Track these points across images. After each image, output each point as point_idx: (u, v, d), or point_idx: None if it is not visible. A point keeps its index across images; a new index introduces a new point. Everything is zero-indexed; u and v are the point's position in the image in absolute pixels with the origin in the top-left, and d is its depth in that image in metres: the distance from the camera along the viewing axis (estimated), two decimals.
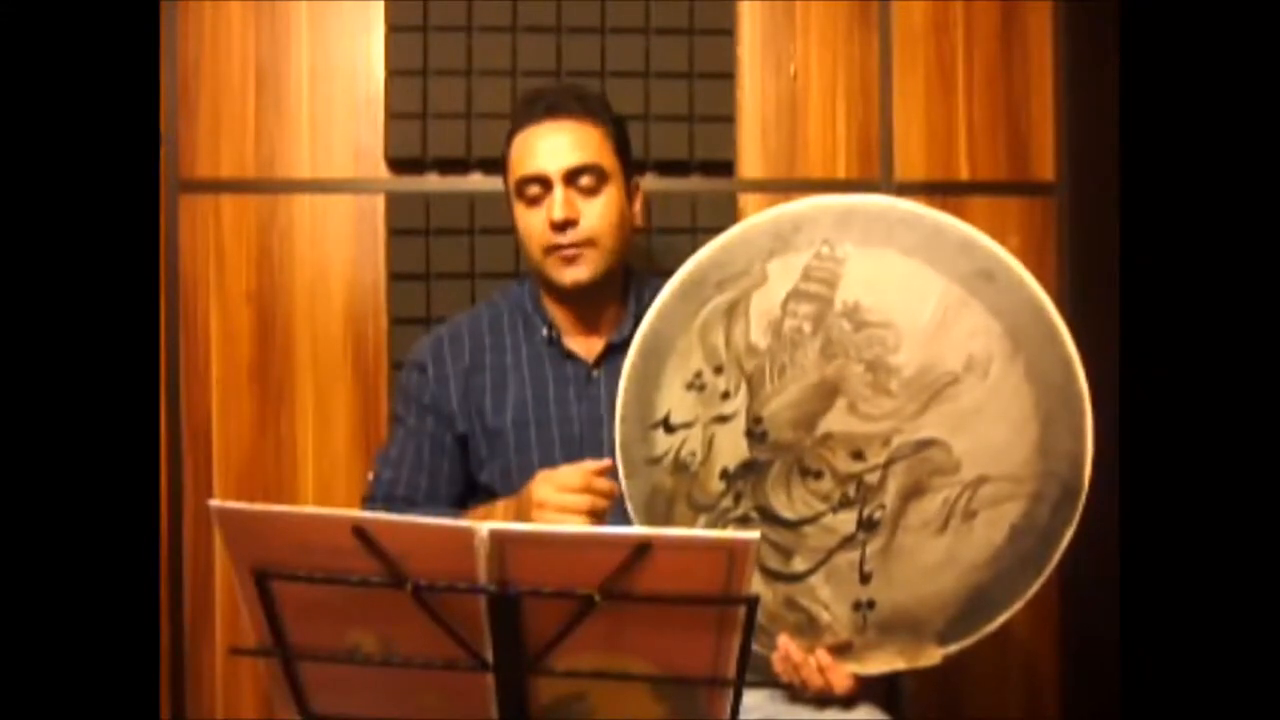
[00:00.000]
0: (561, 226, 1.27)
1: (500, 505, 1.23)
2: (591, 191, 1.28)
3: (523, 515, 1.13)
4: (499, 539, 0.77)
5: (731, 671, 0.82)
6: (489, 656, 0.82)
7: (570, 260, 1.28)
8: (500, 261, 1.73)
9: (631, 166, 1.37)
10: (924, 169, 1.82)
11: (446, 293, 1.72)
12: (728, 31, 1.78)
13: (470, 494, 1.36)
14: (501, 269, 1.72)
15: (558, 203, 1.26)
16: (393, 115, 1.74)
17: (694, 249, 1.15)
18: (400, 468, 1.34)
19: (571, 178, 1.28)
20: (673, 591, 0.79)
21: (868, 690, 1.18)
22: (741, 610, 0.79)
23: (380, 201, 1.75)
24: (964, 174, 1.83)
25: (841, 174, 1.81)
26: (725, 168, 1.79)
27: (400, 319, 1.74)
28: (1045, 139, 1.85)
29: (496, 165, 1.72)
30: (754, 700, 1.19)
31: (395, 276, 1.74)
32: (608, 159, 1.31)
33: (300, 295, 1.76)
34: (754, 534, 0.78)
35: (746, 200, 1.79)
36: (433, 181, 1.77)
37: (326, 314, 1.76)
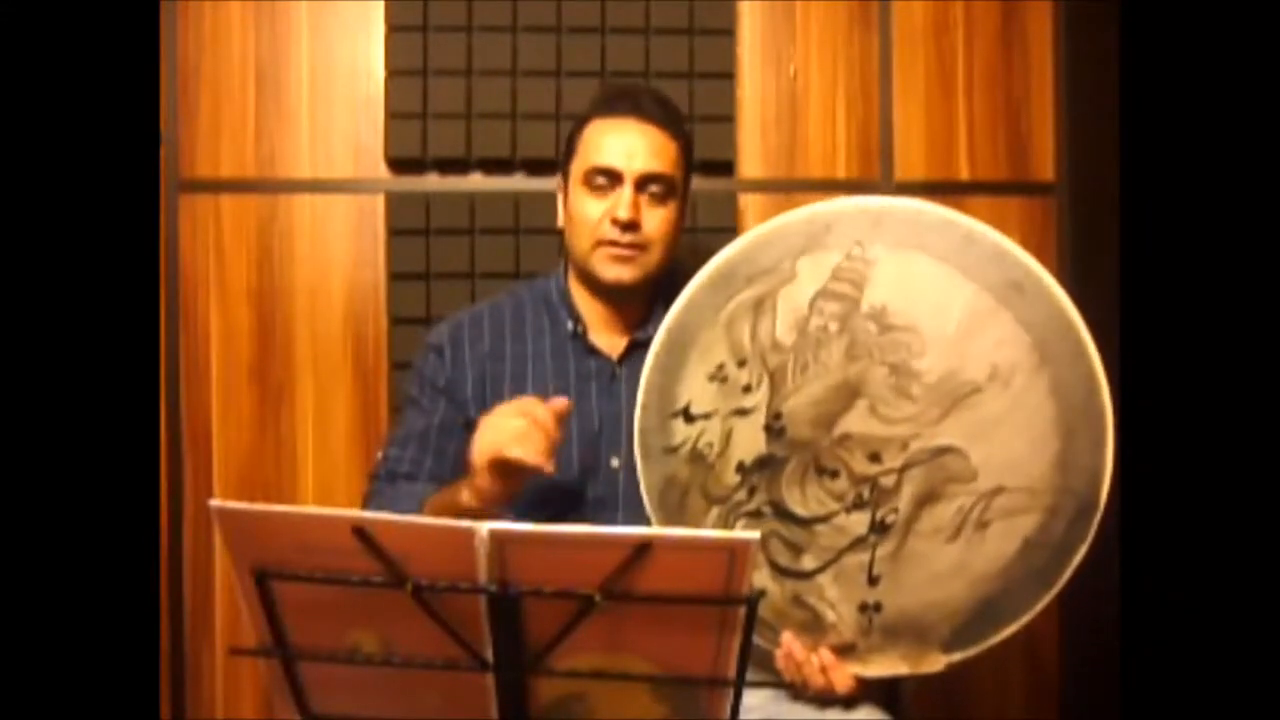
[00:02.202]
0: (625, 226, 1.27)
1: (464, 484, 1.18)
2: (659, 200, 1.30)
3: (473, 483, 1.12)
4: (499, 539, 0.77)
5: (731, 671, 0.82)
6: (489, 656, 0.82)
7: (621, 260, 1.29)
8: (500, 261, 1.73)
9: (690, 185, 1.38)
10: (924, 169, 1.82)
11: (446, 293, 1.72)
12: (728, 31, 1.78)
13: None
14: (502, 269, 1.72)
15: (625, 202, 1.27)
16: (393, 115, 1.74)
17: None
18: (407, 447, 1.34)
19: (643, 183, 1.29)
20: (673, 591, 0.79)
21: (869, 691, 1.18)
22: (742, 610, 0.79)
23: (380, 201, 1.75)
24: (964, 174, 1.83)
25: (841, 174, 1.81)
26: (725, 168, 1.79)
27: (400, 319, 1.74)
28: (1045, 139, 1.85)
29: (497, 165, 1.75)
30: (754, 700, 1.19)
31: (395, 276, 1.74)
32: (678, 173, 1.32)
33: (300, 295, 1.76)
34: (754, 534, 0.78)
35: (746, 200, 1.79)
36: (433, 181, 1.77)
37: (326, 314, 1.76)
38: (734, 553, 0.77)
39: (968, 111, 1.83)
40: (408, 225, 1.74)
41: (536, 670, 0.82)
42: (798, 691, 1.16)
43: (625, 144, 1.29)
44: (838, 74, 1.82)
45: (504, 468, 1.09)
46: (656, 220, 1.29)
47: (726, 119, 1.78)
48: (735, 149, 1.79)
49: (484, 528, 0.77)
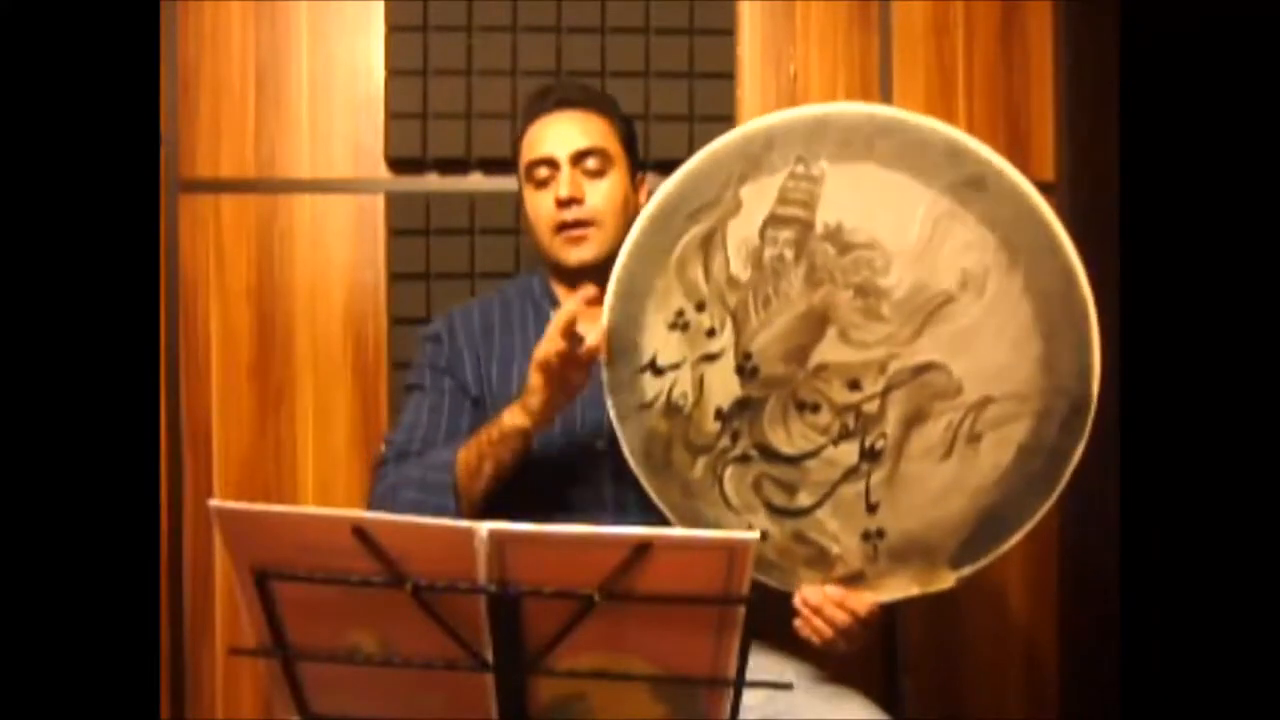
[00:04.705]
0: (567, 203, 1.31)
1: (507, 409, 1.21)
2: (597, 174, 1.33)
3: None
4: (499, 539, 0.77)
5: (731, 671, 0.82)
6: (489, 656, 0.82)
7: (576, 240, 1.32)
8: (500, 261, 1.73)
9: (637, 162, 1.41)
10: None
11: (446, 293, 1.72)
12: (728, 31, 1.78)
13: None
14: (501, 269, 1.72)
15: (564, 181, 1.31)
16: (393, 115, 1.74)
17: None
18: (416, 428, 1.34)
19: (578, 159, 1.33)
20: (673, 591, 0.79)
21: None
22: (742, 610, 0.79)
23: (380, 201, 1.75)
24: None
25: None
26: None
27: (400, 319, 1.74)
28: (1045, 139, 1.84)
29: (497, 165, 1.74)
30: (754, 700, 1.19)
31: (395, 276, 1.74)
32: (613, 146, 1.36)
33: (300, 295, 1.76)
34: (754, 534, 0.78)
35: None
36: (433, 181, 1.76)
37: (326, 314, 1.76)
38: (733, 552, 0.77)
39: (968, 111, 1.83)
40: (408, 225, 1.74)
41: (536, 670, 0.82)
42: (830, 647, 1.11)
43: (554, 133, 1.34)
44: (838, 74, 1.82)
45: (560, 370, 1.13)
46: (600, 193, 1.32)
47: (726, 119, 1.78)
48: None
49: (483, 528, 0.77)
